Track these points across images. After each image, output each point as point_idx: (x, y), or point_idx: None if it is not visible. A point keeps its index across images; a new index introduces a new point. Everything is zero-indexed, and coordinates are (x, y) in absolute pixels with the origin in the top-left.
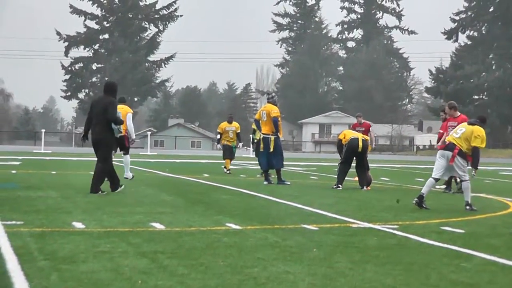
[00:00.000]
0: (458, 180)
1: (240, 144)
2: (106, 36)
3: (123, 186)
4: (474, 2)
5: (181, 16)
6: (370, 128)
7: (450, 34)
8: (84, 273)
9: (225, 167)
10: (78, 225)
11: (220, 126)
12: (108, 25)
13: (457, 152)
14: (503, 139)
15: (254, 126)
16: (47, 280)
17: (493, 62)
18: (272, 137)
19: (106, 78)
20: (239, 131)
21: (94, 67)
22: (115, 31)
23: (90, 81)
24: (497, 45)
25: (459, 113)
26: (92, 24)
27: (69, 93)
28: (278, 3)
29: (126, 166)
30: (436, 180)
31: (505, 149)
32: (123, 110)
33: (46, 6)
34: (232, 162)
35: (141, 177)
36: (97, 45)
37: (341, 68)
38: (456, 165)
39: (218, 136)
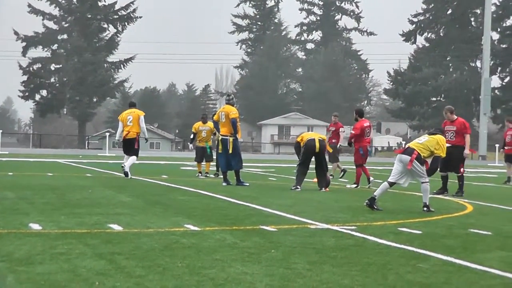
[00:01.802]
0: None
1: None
2: (65, 36)
3: None
4: (432, 5)
5: (140, 17)
6: (340, 128)
7: (408, 36)
8: (40, 275)
9: (200, 172)
10: (35, 226)
11: (194, 126)
12: (66, 25)
13: (415, 157)
14: None
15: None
16: (2, 282)
17: (450, 64)
18: (231, 139)
19: (65, 79)
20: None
21: (52, 68)
22: (74, 31)
23: (48, 81)
24: (455, 47)
25: (455, 116)
26: (50, 24)
27: (27, 94)
28: (238, 5)
29: (130, 161)
30: (391, 184)
31: None
32: (134, 113)
33: (3, 5)
34: (194, 163)
35: (99, 179)
36: (56, 45)
37: (300, 69)
38: (414, 169)
39: (192, 136)
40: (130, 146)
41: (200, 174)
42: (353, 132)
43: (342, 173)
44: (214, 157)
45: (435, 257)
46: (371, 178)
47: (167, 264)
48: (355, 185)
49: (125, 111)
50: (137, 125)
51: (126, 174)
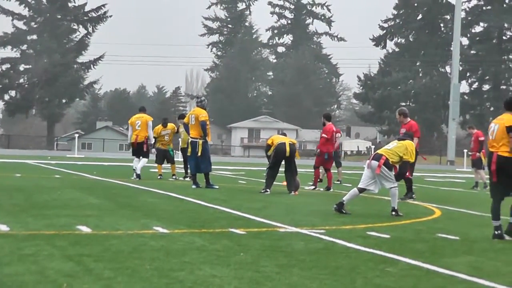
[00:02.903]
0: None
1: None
2: (34, 36)
3: None
4: (403, 10)
5: (110, 16)
6: (337, 134)
7: (379, 41)
8: (8, 276)
9: (160, 175)
10: (3, 227)
11: (154, 130)
12: (36, 25)
13: (383, 162)
14: (429, 145)
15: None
16: None
17: (420, 69)
18: (200, 141)
19: (34, 79)
20: (176, 131)
21: (21, 68)
22: (44, 32)
23: (17, 82)
24: (424, 53)
25: (408, 119)
26: (20, 24)
27: None
28: (209, 7)
29: (141, 164)
30: (360, 190)
31: (430, 155)
32: (143, 118)
33: None
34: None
35: (68, 180)
36: (25, 45)
37: (270, 73)
38: (382, 174)
39: (153, 141)
40: (139, 149)
41: (160, 176)
42: (325, 136)
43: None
44: (178, 159)
45: (403, 261)
46: (316, 187)
47: (135, 266)
48: (313, 186)
49: (134, 115)
50: (145, 130)
51: (138, 176)
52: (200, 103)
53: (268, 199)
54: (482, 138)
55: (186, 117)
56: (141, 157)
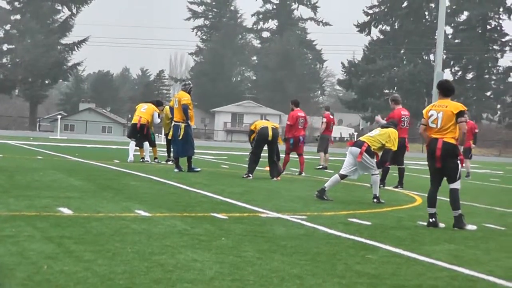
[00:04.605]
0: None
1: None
2: (18, 16)
3: None
4: None
5: None
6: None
7: (363, 28)
8: None
9: (142, 158)
10: None
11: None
12: (20, 5)
13: (364, 149)
14: (412, 133)
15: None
16: None
17: (404, 57)
18: (183, 125)
19: (17, 60)
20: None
21: (4, 48)
22: (27, 12)
23: (0, 62)
24: (409, 41)
25: (397, 107)
26: (3, 3)
27: None
28: None
29: (146, 151)
30: (342, 176)
31: (412, 143)
32: (150, 106)
33: None
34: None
35: (50, 161)
36: (9, 25)
37: (255, 58)
38: (364, 161)
39: (158, 121)
40: (141, 132)
41: (143, 160)
42: (288, 122)
43: (321, 167)
44: (160, 142)
45: (384, 248)
46: (284, 172)
47: (116, 249)
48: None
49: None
50: (150, 115)
51: (143, 160)
52: (184, 86)
53: (250, 184)
54: (476, 130)
55: (171, 100)
56: (142, 142)
